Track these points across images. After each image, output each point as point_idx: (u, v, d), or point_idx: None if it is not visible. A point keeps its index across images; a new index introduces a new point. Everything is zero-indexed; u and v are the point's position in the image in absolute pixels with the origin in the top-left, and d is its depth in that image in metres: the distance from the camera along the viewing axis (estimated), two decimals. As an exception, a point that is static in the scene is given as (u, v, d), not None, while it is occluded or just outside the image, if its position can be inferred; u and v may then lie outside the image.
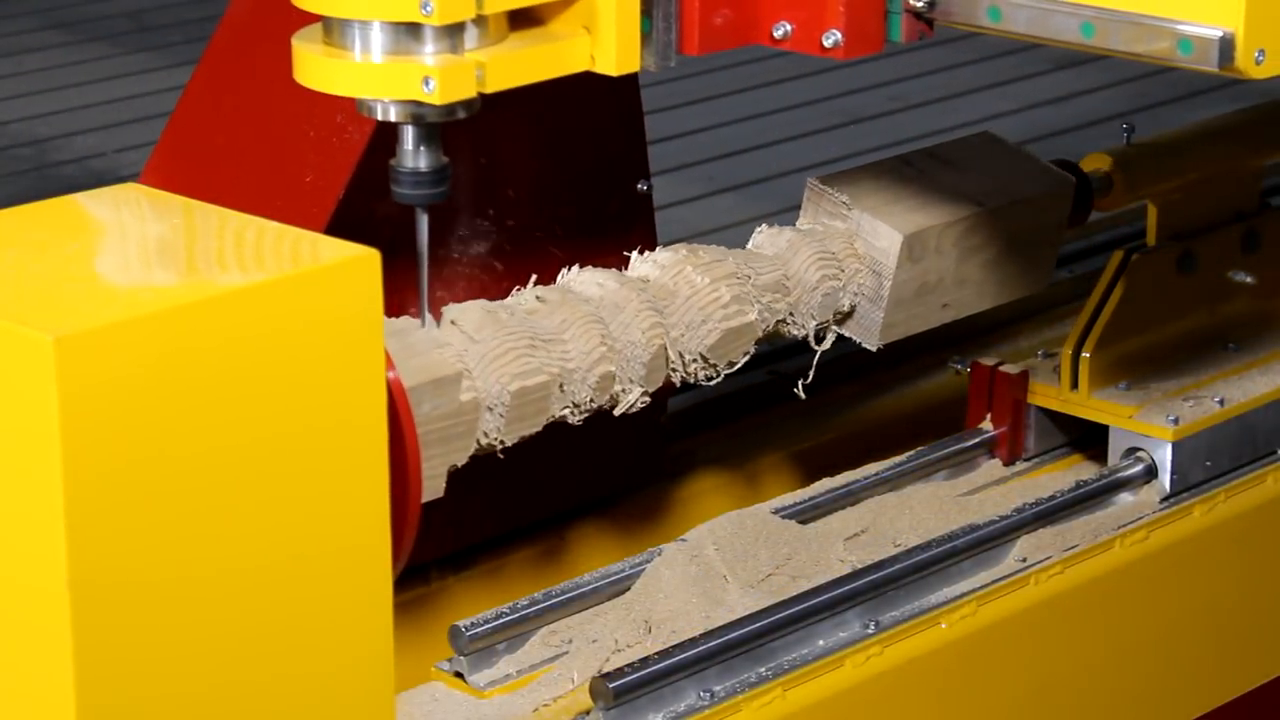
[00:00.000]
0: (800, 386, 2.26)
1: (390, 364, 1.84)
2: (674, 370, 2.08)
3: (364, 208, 2.07)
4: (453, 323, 1.95)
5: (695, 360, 2.07)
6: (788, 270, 2.15)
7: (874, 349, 2.24)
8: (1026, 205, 2.31)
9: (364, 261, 1.66)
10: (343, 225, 2.05)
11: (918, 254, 2.20)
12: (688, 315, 2.07)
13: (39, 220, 1.77)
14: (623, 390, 2.03)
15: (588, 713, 1.96)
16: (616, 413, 2.05)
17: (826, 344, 2.21)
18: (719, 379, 2.13)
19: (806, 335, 2.18)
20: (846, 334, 2.25)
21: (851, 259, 2.20)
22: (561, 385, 1.98)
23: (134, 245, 1.74)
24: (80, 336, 1.54)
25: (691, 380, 2.09)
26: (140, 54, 3.76)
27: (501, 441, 1.96)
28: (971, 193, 2.28)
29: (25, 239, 1.73)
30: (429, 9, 1.82)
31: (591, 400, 2.00)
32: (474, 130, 1.92)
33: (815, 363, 2.25)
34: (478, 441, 1.95)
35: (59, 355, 1.53)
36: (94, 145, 3.28)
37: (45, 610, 1.59)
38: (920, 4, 1.96)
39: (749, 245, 2.20)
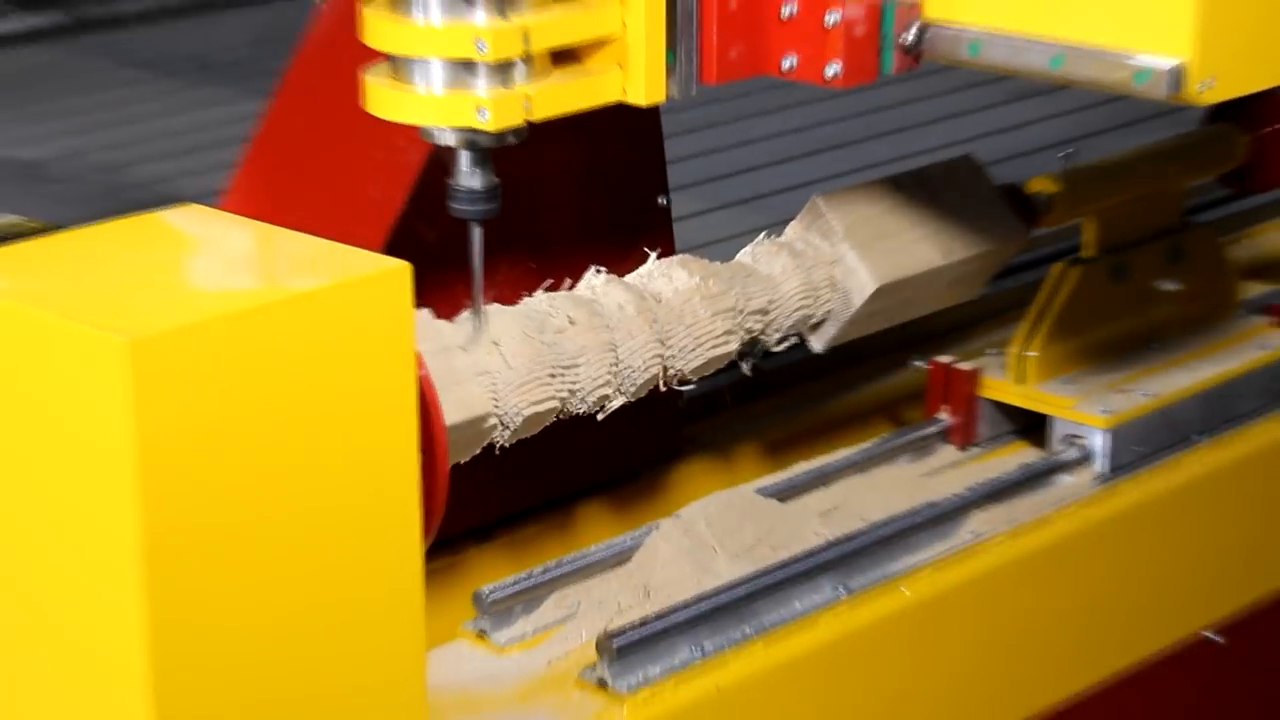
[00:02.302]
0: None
1: (422, 363, 1.84)
2: (658, 384, 2.09)
3: (420, 221, 2.08)
4: (495, 343, 1.96)
5: (676, 375, 2.08)
6: (774, 295, 2.16)
7: (820, 352, 2.26)
8: (986, 256, 2.32)
9: (397, 273, 1.66)
10: (401, 236, 2.06)
11: (883, 293, 2.21)
12: (684, 341, 2.07)
13: (112, 236, 1.76)
14: (610, 401, 2.04)
15: (594, 666, 1.96)
16: (599, 418, 2.06)
17: (783, 346, 2.22)
18: (692, 386, 2.14)
19: (770, 343, 2.19)
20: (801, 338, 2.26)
21: (827, 289, 2.20)
22: (565, 405, 2.00)
23: (195, 258, 1.74)
24: (152, 339, 1.53)
25: (666, 388, 2.09)
26: (202, 90, 3.74)
27: (501, 446, 1.98)
28: (943, 240, 2.28)
29: (99, 252, 1.73)
30: (484, 48, 1.85)
31: (584, 412, 2.02)
32: (521, 153, 1.92)
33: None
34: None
35: (133, 356, 1.52)
36: (160, 171, 3.27)
37: (118, 590, 1.58)
38: (909, 40, 1.97)
39: (748, 251, 2.20)
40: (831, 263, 2.21)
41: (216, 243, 1.77)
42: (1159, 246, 2.49)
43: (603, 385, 2.03)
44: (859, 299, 2.21)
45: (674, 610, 2.02)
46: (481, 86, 1.87)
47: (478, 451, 1.96)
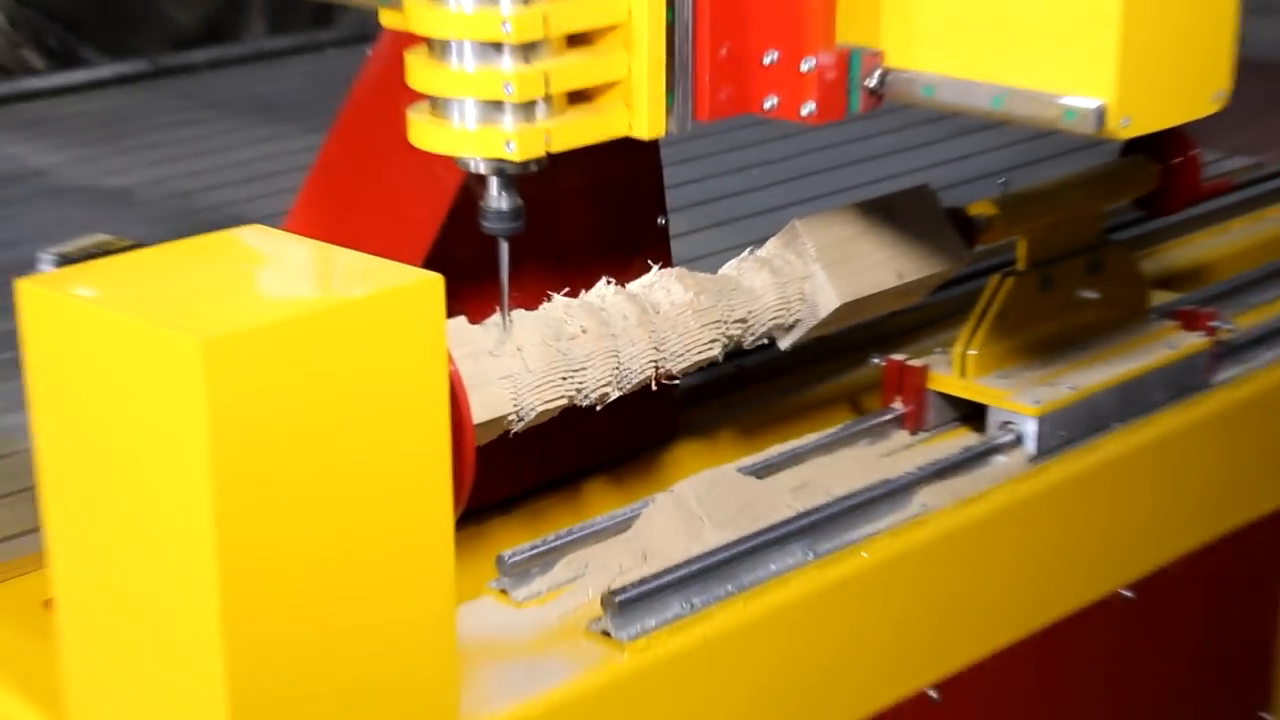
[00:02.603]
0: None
1: (453, 361, 1.84)
2: (648, 381, 2.09)
3: (454, 238, 2.07)
4: (518, 349, 1.96)
5: (665, 373, 2.08)
6: (754, 306, 2.15)
7: (785, 350, 2.25)
8: (934, 276, 2.33)
9: (431, 284, 1.67)
10: (438, 250, 2.05)
11: (844, 307, 2.21)
12: (676, 347, 2.07)
13: (188, 252, 1.77)
14: (608, 397, 2.04)
15: (599, 619, 1.97)
16: (597, 409, 2.05)
17: (753, 344, 2.22)
18: (677, 381, 2.15)
19: (746, 343, 2.19)
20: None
21: (799, 301, 2.20)
22: (571, 401, 2.00)
23: (259, 271, 1.74)
24: (222, 339, 1.54)
25: (656, 384, 2.09)
26: (266, 127, 3.73)
27: (512, 434, 1.97)
28: (900, 262, 2.28)
29: (177, 266, 1.74)
30: (510, 90, 1.84)
31: (584, 405, 2.02)
32: (541, 179, 1.92)
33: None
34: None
35: (206, 354, 1.52)
36: (229, 197, 3.26)
37: (195, 551, 1.58)
38: (873, 83, 1.96)
39: (734, 264, 2.19)
40: (804, 278, 2.20)
41: (278, 258, 1.77)
42: (1081, 261, 2.49)
43: (605, 385, 2.02)
44: (824, 311, 2.21)
45: (667, 571, 2.02)
46: (508, 122, 1.87)
47: (490, 439, 1.96)
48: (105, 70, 4.19)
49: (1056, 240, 2.45)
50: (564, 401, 1.99)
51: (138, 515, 1.63)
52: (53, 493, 1.72)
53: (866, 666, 2.17)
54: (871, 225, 2.28)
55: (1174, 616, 2.55)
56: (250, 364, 1.56)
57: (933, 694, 2.24)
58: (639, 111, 1.93)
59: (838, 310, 2.21)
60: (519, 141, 1.86)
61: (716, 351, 2.12)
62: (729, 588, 2.05)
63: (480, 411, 1.90)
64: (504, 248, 1.97)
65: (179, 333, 1.55)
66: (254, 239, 1.80)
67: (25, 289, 1.66)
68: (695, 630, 2.00)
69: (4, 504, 2.18)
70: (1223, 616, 2.65)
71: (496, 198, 1.92)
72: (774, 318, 2.19)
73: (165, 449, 1.58)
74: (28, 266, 1.74)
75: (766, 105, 1.98)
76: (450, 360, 1.81)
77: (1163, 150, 2.62)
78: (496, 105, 1.86)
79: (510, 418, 1.96)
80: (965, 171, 3.23)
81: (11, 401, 2.37)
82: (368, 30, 2.11)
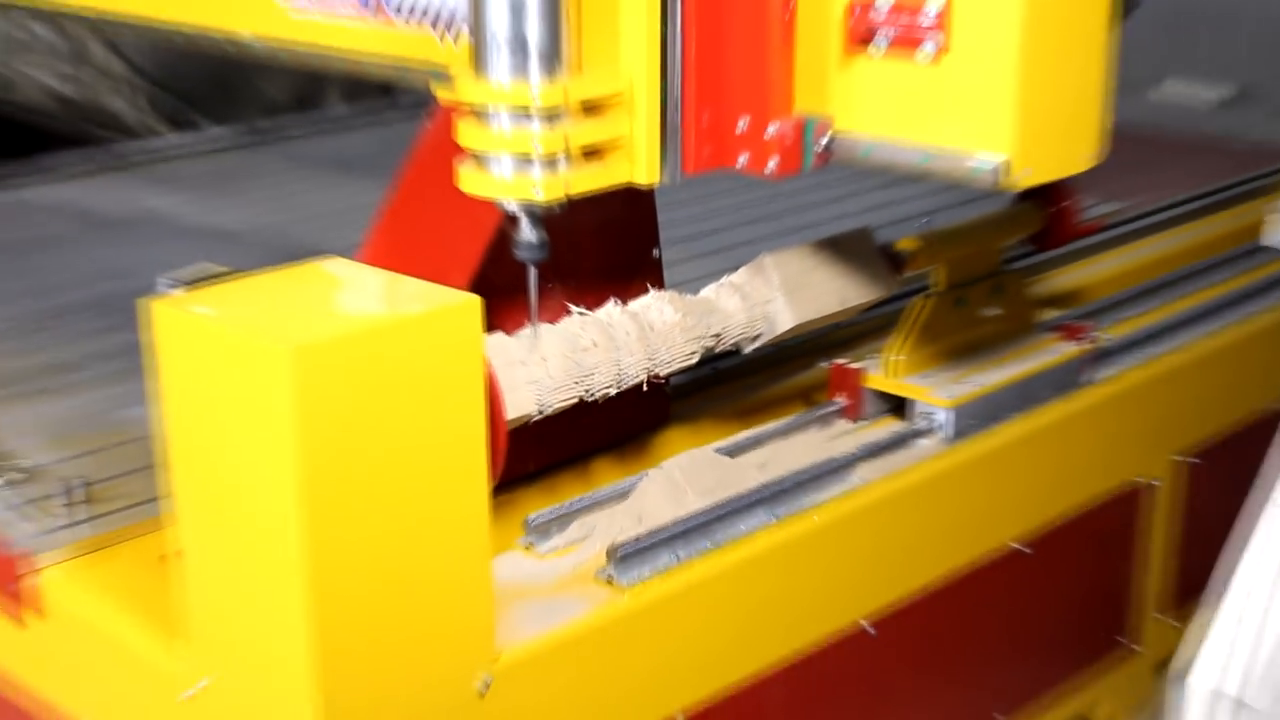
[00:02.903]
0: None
1: (490, 367, 1.84)
2: (642, 381, 2.08)
3: (492, 264, 2.06)
4: (544, 359, 1.95)
5: (653, 375, 2.07)
6: (727, 324, 2.15)
7: (747, 354, 2.24)
8: (869, 301, 2.32)
9: (472, 304, 1.66)
10: (480, 275, 2.04)
11: (797, 326, 2.21)
12: (665, 356, 2.07)
13: (280, 278, 1.76)
14: (608, 395, 2.03)
15: (605, 568, 1.96)
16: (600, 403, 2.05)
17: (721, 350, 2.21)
18: (662, 380, 2.13)
19: (716, 350, 2.18)
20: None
21: (762, 320, 2.19)
22: (580, 399, 2.00)
23: (337, 293, 1.74)
24: (307, 347, 1.54)
25: (646, 384, 2.08)
26: (340, 180, 3.73)
27: (533, 422, 1.96)
28: (844, 291, 2.27)
29: (270, 289, 1.74)
30: (538, 148, 1.84)
31: (587, 401, 2.02)
32: (562, 217, 1.91)
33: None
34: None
35: (294, 359, 1.52)
36: (311, 234, 3.25)
37: (286, 529, 1.58)
38: (822, 146, 1.94)
39: (712, 289, 2.18)
40: (767, 302, 2.20)
41: (352, 283, 1.76)
42: (986, 285, 2.48)
43: (608, 386, 2.02)
44: (782, 329, 2.20)
45: (658, 531, 2.01)
46: (536, 173, 1.86)
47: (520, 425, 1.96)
48: (214, 134, 4.19)
49: (966, 269, 2.44)
50: (574, 400, 1.98)
51: (243, 483, 1.63)
52: (179, 469, 1.71)
53: (815, 604, 2.16)
54: (823, 259, 2.27)
55: (1057, 564, 2.53)
56: (329, 366, 1.56)
57: (867, 625, 2.23)
58: (639, 165, 1.93)
59: (793, 328, 2.21)
60: (544, 188, 1.86)
61: (695, 359, 2.12)
62: (707, 543, 2.04)
63: (511, 410, 1.90)
64: (533, 273, 1.96)
65: (273, 342, 1.55)
66: (333, 268, 1.80)
67: (157, 308, 1.66)
68: (681, 577, 1.99)
69: (131, 480, 2.16)
70: (1093, 563, 2.64)
71: (527, 232, 1.91)
72: (742, 333, 2.18)
73: (264, 433, 1.58)
74: (150, 290, 1.73)
75: (739, 162, 1.97)
76: (489, 367, 1.81)
77: (1048, 197, 2.60)
78: (527, 159, 1.85)
79: (533, 415, 1.95)
80: (894, 215, 3.22)
81: (135, 398, 2.36)
82: (423, 102, 2.10)
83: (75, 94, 4.83)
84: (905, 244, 2.38)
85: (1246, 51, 4.53)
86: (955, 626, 2.39)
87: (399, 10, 2.10)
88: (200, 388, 1.65)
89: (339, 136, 4.17)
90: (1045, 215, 2.64)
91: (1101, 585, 2.67)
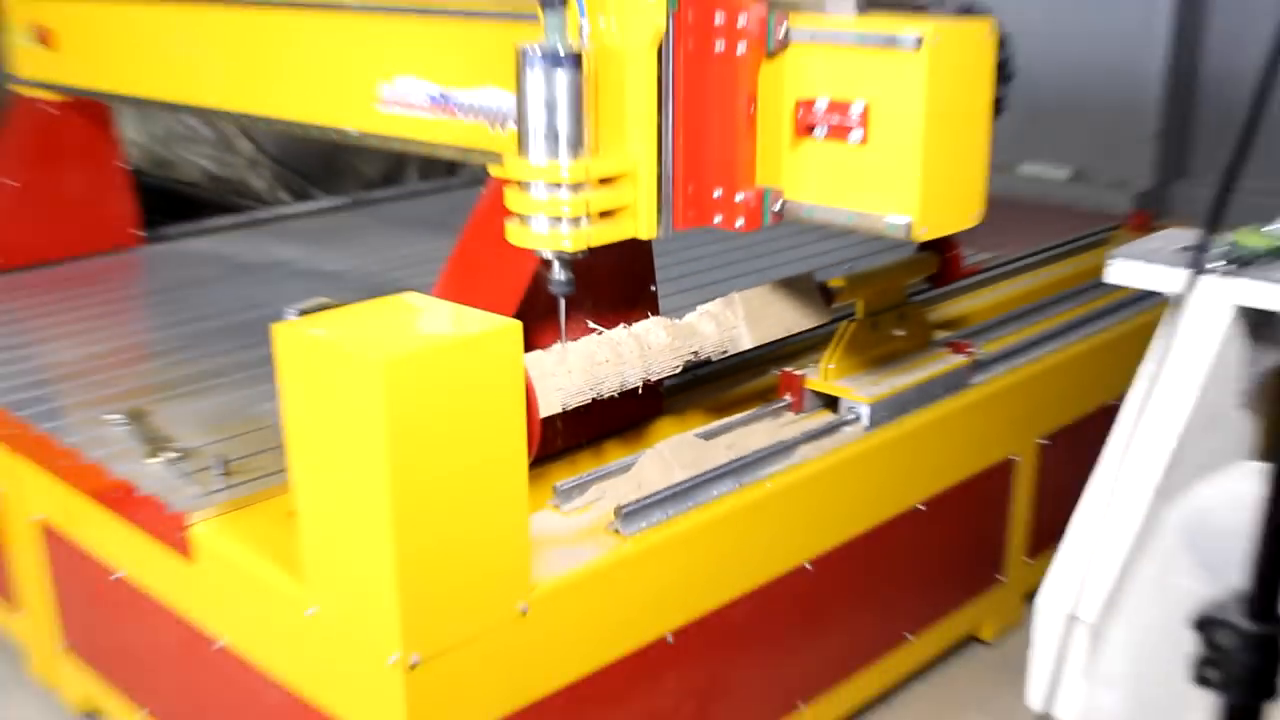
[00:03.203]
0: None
1: (529, 377, 1.84)
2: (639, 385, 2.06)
3: (531, 297, 2.03)
4: (570, 372, 1.94)
5: (645, 381, 2.07)
6: (704, 344, 2.15)
7: (715, 363, 2.22)
8: (810, 326, 2.32)
9: (515, 327, 1.65)
10: (522, 305, 2.02)
11: (754, 344, 2.21)
12: (657, 369, 2.06)
13: (374, 308, 1.75)
14: (610, 397, 2.02)
15: (614, 522, 1.95)
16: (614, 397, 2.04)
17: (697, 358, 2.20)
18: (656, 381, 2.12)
19: (693, 361, 2.17)
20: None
21: (729, 340, 2.19)
22: (592, 399, 1.99)
23: (415, 319, 1.72)
24: (395, 359, 1.53)
25: (642, 388, 2.07)
26: (418, 235, 3.72)
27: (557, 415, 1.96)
28: (791, 318, 2.27)
29: (367, 315, 1.73)
30: (566, 211, 1.84)
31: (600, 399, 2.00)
32: (584, 262, 1.90)
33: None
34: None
35: (386, 369, 1.51)
36: (397, 275, 3.24)
37: (377, 496, 1.57)
38: (777, 208, 1.94)
39: (694, 315, 2.16)
40: (733, 327, 2.20)
41: (426, 312, 1.75)
42: (894, 313, 2.46)
43: (613, 391, 2.01)
44: (744, 346, 2.21)
45: (653, 495, 2.00)
46: (565, 229, 1.85)
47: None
48: (324, 202, 4.18)
49: (880, 300, 2.43)
50: (587, 402, 1.98)
51: (345, 460, 1.62)
52: (297, 449, 1.70)
53: (770, 550, 2.15)
54: (776, 296, 2.27)
55: (950, 520, 2.51)
56: (409, 373, 1.55)
57: (809, 566, 2.22)
58: (641, 223, 1.92)
59: (753, 346, 2.21)
60: (572, 240, 1.86)
61: (679, 370, 2.12)
62: (690, 504, 2.04)
63: (543, 409, 1.91)
64: (562, 304, 1.96)
65: (369, 355, 1.55)
66: (412, 300, 1.79)
67: (281, 330, 1.66)
68: (671, 529, 1.98)
69: (263, 457, 2.16)
70: (976, 519, 2.62)
71: (558, 273, 1.90)
72: (713, 349, 2.18)
73: (360, 423, 1.58)
74: (277, 316, 1.72)
75: (715, 221, 1.96)
76: (527, 376, 1.82)
77: (941, 247, 2.61)
78: (558, 219, 1.85)
79: (558, 410, 1.95)
80: (828, 260, 3.22)
81: (265, 396, 2.38)
82: (480, 177, 2.09)
83: (221, 172, 4.84)
84: (835, 282, 2.38)
85: (1087, 138, 4.54)
86: (874, 566, 2.37)
87: (462, 109, 2.10)
88: (313, 389, 1.64)
89: (416, 202, 4.16)
90: (939, 260, 2.65)
91: (982, 535, 2.66)
